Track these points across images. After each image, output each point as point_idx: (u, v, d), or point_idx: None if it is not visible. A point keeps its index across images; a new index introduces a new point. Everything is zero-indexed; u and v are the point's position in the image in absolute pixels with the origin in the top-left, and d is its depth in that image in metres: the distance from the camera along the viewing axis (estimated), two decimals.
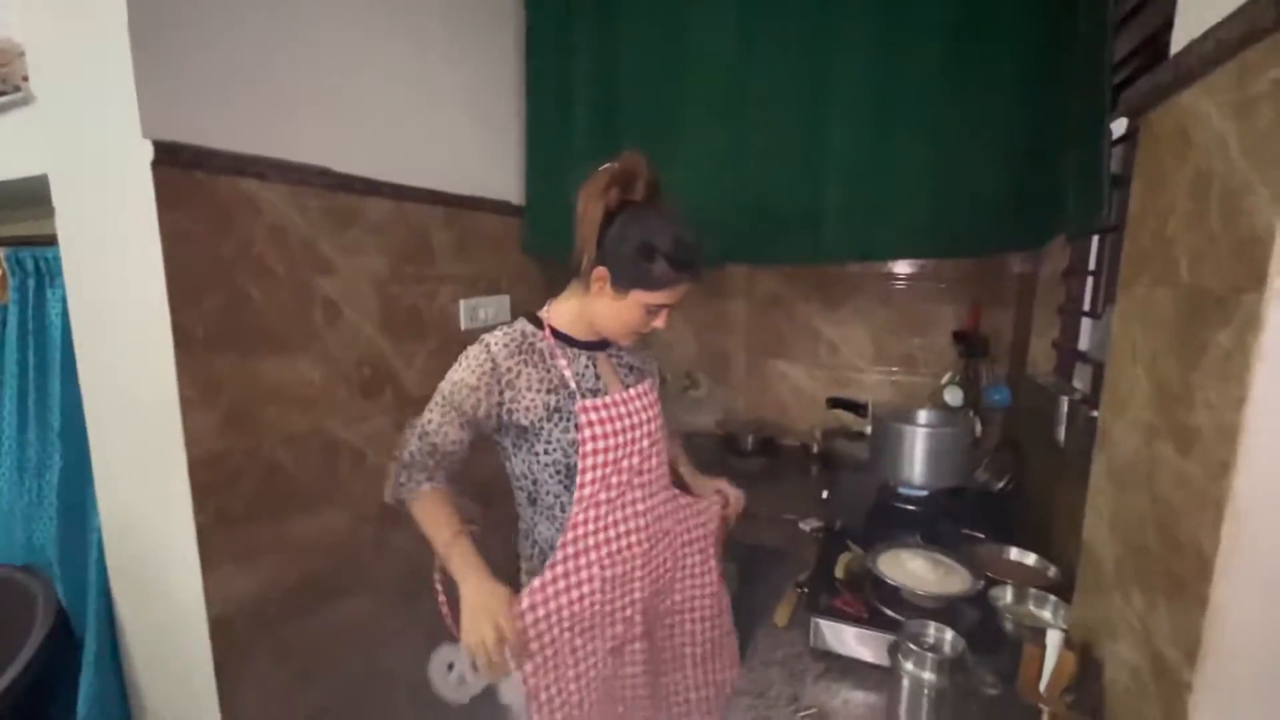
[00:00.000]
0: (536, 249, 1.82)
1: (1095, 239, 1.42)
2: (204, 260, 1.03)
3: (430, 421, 0.96)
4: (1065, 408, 1.36)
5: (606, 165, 0.95)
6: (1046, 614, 1.02)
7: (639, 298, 0.95)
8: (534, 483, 1.01)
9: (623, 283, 0.95)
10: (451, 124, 1.58)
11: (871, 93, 1.39)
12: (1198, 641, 0.53)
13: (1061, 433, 1.38)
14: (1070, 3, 1.14)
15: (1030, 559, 1.18)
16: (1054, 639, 0.77)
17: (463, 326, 1.63)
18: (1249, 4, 0.48)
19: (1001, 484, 1.58)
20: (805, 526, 1.50)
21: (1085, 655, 0.78)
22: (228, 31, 1.05)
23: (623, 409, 1.01)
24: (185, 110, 0.99)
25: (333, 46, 1.25)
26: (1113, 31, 1.03)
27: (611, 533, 1.01)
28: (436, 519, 0.96)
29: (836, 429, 1.94)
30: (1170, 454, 0.59)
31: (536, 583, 0.96)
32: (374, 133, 1.36)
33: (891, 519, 1.45)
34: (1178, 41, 0.63)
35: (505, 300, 1.79)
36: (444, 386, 0.97)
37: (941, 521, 1.37)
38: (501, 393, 0.95)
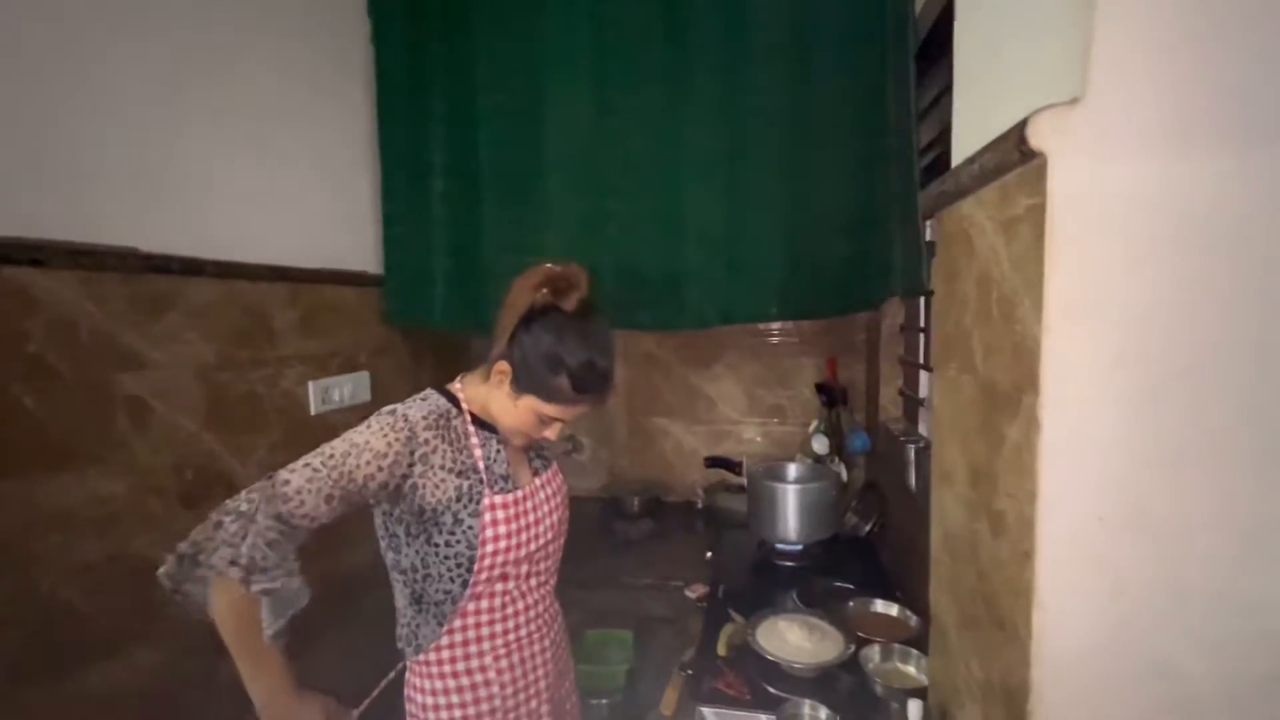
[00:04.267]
0: (399, 318, 1.72)
1: (922, 299, 1.57)
2: None
3: (288, 484, 0.77)
4: (912, 455, 1.47)
5: (546, 264, 0.93)
6: (911, 669, 1.06)
7: (532, 404, 0.91)
8: (424, 578, 0.93)
9: (521, 384, 0.91)
10: (296, 193, 1.46)
11: (722, 166, 1.47)
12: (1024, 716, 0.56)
13: (912, 478, 1.48)
14: (881, 93, 1.28)
15: (894, 610, 1.24)
16: (914, 711, 0.79)
17: (313, 411, 1.48)
18: (999, 139, 0.54)
19: (869, 527, 1.67)
20: (691, 594, 1.48)
21: (945, 718, 0.81)
22: None
23: (528, 504, 0.97)
24: None
25: (144, 111, 1.11)
26: (917, 120, 1.17)
27: (510, 623, 0.97)
28: (248, 616, 0.79)
29: (718, 483, 1.97)
30: (986, 533, 0.64)
31: (420, 657, 0.94)
32: (198, 205, 1.21)
33: (771, 576, 1.48)
34: (956, 156, 0.71)
35: (364, 376, 1.65)
36: (329, 448, 0.82)
37: (815, 577, 1.42)
38: (412, 466, 0.85)
